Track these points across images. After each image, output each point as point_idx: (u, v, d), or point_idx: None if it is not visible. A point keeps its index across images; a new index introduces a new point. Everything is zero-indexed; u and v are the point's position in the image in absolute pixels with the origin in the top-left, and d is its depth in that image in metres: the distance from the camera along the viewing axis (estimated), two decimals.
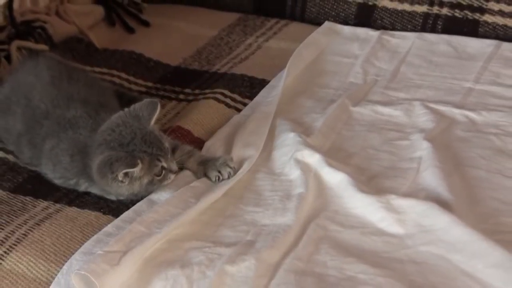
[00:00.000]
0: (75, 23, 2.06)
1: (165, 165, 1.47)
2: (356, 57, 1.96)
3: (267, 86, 1.83)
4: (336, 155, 1.59)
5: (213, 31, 2.11)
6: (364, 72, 1.90)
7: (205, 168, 1.52)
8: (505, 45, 1.96)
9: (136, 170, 1.43)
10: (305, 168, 1.53)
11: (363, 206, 1.45)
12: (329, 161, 1.54)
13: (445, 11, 2.03)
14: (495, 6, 1.99)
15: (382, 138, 1.66)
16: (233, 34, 2.09)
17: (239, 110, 1.76)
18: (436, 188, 1.47)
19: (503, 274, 1.28)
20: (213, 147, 1.62)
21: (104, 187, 1.47)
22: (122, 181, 1.44)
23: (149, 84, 1.90)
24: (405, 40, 2.01)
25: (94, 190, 1.51)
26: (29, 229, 1.44)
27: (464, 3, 2.01)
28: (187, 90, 1.86)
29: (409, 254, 1.35)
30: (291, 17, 2.16)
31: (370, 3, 2.08)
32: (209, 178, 1.52)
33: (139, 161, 1.42)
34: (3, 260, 1.39)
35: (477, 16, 2.00)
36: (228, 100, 1.79)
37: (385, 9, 2.08)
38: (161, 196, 1.48)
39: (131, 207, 1.46)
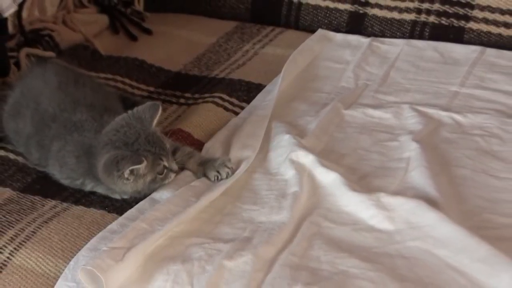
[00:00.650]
0: (81, 31, 2.06)
1: (166, 164, 1.47)
2: (348, 62, 1.96)
3: (263, 91, 1.83)
4: (329, 156, 1.59)
5: (212, 39, 2.11)
6: (356, 77, 1.90)
7: (205, 169, 1.53)
8: (489, 51, 1.96)
9: (141, 167, 1.43)
10: (299, 168, 1.53)
11: (355, 204, 1.45)
12: (322, 162, 1.54)
13: (432, 19, 2.03)
14: (480, 14, 1.99)
15: (373, 139, 1.67)
16: (231, 41, 2.09)
17: (236, 113, 1.76)
18: (424, 187, 1.47)
19: (488, 269, 1.28)
20: (212, 148, 1.62)
21: (110, 185, 1.47)
22: (127, 179, 1.44)
23: (151, 89, 1.90)
24: (394, 47, 2.01)
25: (100, 189, 1.51)
26: (37, 227, 1.44)
27: (450, 11, 2.01)
28: (187, 95, 1.86)
29: (398, 249, 1.35)
30: (286, 25, 2.16)
31: (361, 11, 2.08)
32: (208, 178, 1.52)
33: (143, 158, 1.43)
34: (13, 256, 1.39)
35: (462, 23, 2.01)
36: (226, 104, 1.79)
37: (375, 17, 2.08)
38: (162, 195, 1.48)
39: (134, 205, 1.46)
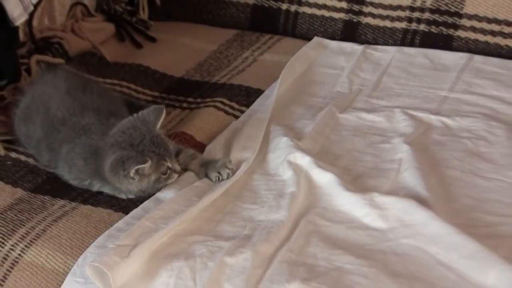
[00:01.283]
0: (88, 39, 2.05)
1: (170, 165, 1.47)
2: (343, 68, 1.96)
3: (262, 95, 1.83)
4: (324, 157, 1.59)
5: (213, 46, 2.11)
6: (350, 82, 1.89)
7: (206, 170, 1.52)
8: (476, 57, 1.96)
9: (146, 167, 1.43)
10: (296, 169, 1.53)
11: (349, 203, 1.45)
12: (318, 163, 1.53)
13: (422, 27, 2.03)
14: (467, 23, 1.99)
15: (366, 141, 1.66)
16: (231, 48, 2.09)
17: (237, 117, 1.76)
18: (415, 187, 1.47)
19: (475, 265, 1.28)
20: (213, 150, 1.62)
21: (116, 184, 1.47)
22: (133, 178, 1.44)
23: (156, 93, 1.89)
24: (387, 53, 2.01)
25: (106, 189, 1.51)
26: (47, 225, 1.44)
27: (440, 20, 2.01)
28: (190, 99, 1.86)
29: (391, 246, 1.35)
30: (284, 33, 2.16)
31: (354, 20, 2.08)
32: (209, 178, 1.52)
33: (148, 159, 1.42)
34: (24, 253, 1.39)
35: (451, 31, 2.01)
36: (227, 108, 1.79)
37: (368, 25, 2.08)
38: (166, 194, 1.48)
39: (139, 205, 1.46)
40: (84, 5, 2.14)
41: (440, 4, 2.01)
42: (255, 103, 1.80)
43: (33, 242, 1.40)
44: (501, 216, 1.43)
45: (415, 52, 2.01)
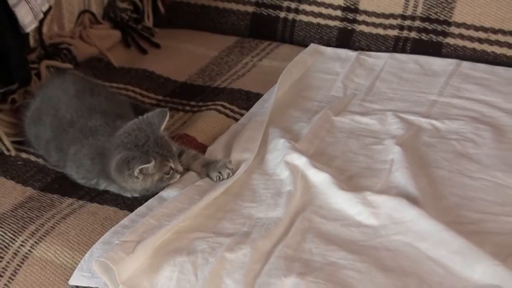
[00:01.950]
0: (96, 45, 2.05)
1: (173, 165, 1.47)
2: (338, 74, 1.96)
3: (261, 99, 1.83)
4: (320, 158, 1.59)
5: (215, 52, 2.11)
6: (344, 87, 1.89)
7: (208, 170, 1.52)
8: (464, 63, 1.96)
9: (150, 167, 1.43)
10: (293, 169, 1.53)
11: (343, 202, 1.45)
12: (314, 163, 1.54)
13: (413, 34, 2.03)
14: (456, 31, 1.99)
15: (360, 143, 1.66)
16: (231, 54, 2.09)
17: (237, 120, 1.76)
18: (406, 186, 1.47)
19: (462, 260, 1.28)
20: (215, 151, 1.62)
21: (121, 183, 1.47)
22: (137, 177, 1.44)
23: (160, 97, 1.89)
24: (379, 60, 2.01)
25: (112, 188, 1.51)
26: (56, 223, 1.44)
27: (430, 28, 2.01)
28: (192, 103, 1.86)
29: (382, 242, 1.36)
30: (282, 40, 2.16)
31: (349, 27, 2.09)
32: (211, 178, 1.52)
33: (152, 159, 1.42)
34: (34, 249, 1.39)
35: (440, 39, 2.01)
36: (227, 111, 1.79)
37: (362, 33, 2.08)
38: (170, 193, 1.48)
39: (144, 203, 1.46)
40: (92, 13, 2.13)
41: (430, 12, 2.01)
42: (254, 106, 1.80)
43: (43, 239, 1.40)
44: (487, 214, 1.43)
45: (407, 58, 2.01)
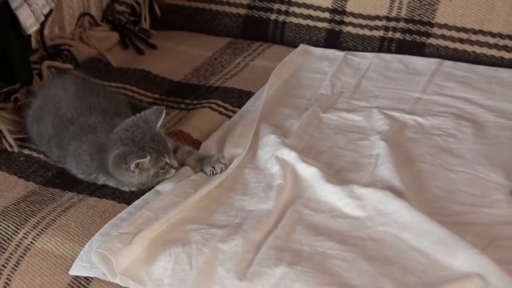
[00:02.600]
0: (95, 46, 2.05)
1: (168, 161, 1.46)
2: (326, 73, 1.96)
3: (252, 97, 1.83)
4: (309, 153, 1.58)
5: (209, 53, 2.10)
6: (332, 85, 1.89)
7: (202, 164, 1.52)
8: (446, 63, 1.96)
9: (146, 162, 1.43)
10: (283, 163, 1.53)
11: (331, 194, 1.45)
12: (303, 158, 1.53)
13: (397, 35, 2.03)
14: (438, 31, 1.99)
15: (347, 139, 1.66)
16: (225, 55, 2.09)
17: (229, 117, 1.76)
18: (390, 179, 1.47)
19: (444, 249, 1.28)
20: (208, 147, 1.62)
21: (118, 177, 1.47)
22: (133, 171, 1.43)
23: (156, 96, 1.89)
24: (365, 59, 2.01)
25: (111, 183, 1.51)
26: (57, 215, 1.43)
27: (413, 29, 2.01)
28: (187, 101, 1.85)
29: (368, 233, 1.35)
30: (273, 41, 2.16)
31: (336, 29, 2.08)
32: (205, 172, 1.51)
33: (148, 154, 1.42)
34: (35, 240, 1.38)
35: (423, 39, 2.01)
36: (221, 109, 1.78)
37: (349, 34, 2.08)
38: (165, 187, 1.47)
39: (141, 196, 1.46)
40: (91, 16, 2.13)
41: (414, 14, 2.01)
42: (246, 104, 1.80)
43: (44, 231, 1.40)
44: (468, 205, 1.43)
45: (391, 58, 2.01)
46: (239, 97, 1.84)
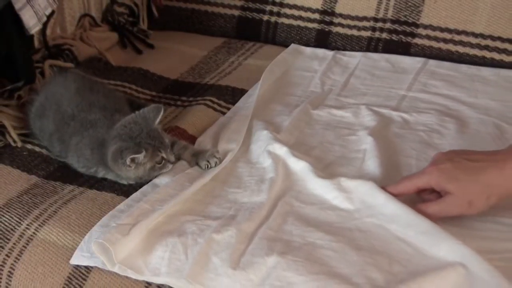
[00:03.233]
0: (95, 46, 2.04)
1: (164, 156, 1.46)
2: (316, 71, 1.95)
3: (245, 95, 1.82)
4: (299, 148, 1.58)
5: (204, 52, 2.09)
6: (322, 83, 1.89)
7: (197, 159, 1.51)
8: (431, 62, 1.96)
9: (141, 157, 1.42)
10: (275, 158, 1.52)
11: (321, 187, 1.44)
12: (294, 153, 1.53)
13: (384, 35, 2.03)
14: (423, 32, 1.99)
15: (336, 134, 1.66)
16: (219, 54, 2.08)
17: (224, 113, 1.75)
18: (377, 173, 1.47)
19: (429, 239, 1.28)
20: (203, 142, 1.61)
21: (116, 171, 1.46)
22: (129, 166, 1.43)
23: (154, 93, 1.88)
24: (354, 58, 2.01)
25: (110, 176, 1.50)
26: (58, 207, 1.43)
27: (399, 29, 2.01)
28: (183, 98, 1.85)
29: (356, 224, 1.35)
30: (265, 41, 2.15)
31: (326, 29, 2.08)
32: (200, 166, 1.51)
33: (143, 149, 1.42)
34: (38, 231, 1.38)
35: (409, 39, 2.00)
36: (215, 106, 1.78)
37: (338, 34, 2.07)
38: (162, 180, 1.47)
39: (139, 189, 1.45)
40: (92, 17, 2.12)
41: (400, 15, 2.00)
42: (240, 101, 1.79)
43: (46, 222, 1.39)
44: None
45: (378, 57, 2.00)
46: (233, 95, 1.84)
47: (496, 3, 1.92)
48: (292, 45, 2.09)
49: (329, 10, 2.07)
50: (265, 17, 2.15)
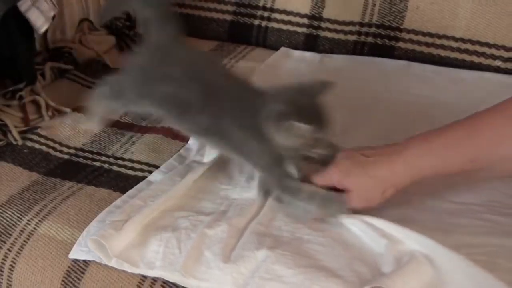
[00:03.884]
0: (94, 49, 2.03)
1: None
2: (304, 74, 1.94)
3: None
4: None
5: None
6: None
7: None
8: (414, 64, 1.95)
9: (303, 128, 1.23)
10: None
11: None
12: None
13: (369, 39, 2.02)
14: (406, 36, 1.98)
15: None
16: None
17: None
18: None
19: (402, 229, 1.26)
20: (194, 144, 1.58)
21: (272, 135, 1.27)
22: (288, 133, 1.24)
23: None
24: (340, 61, 1.99)
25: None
26: (58, 203, 1.42)
27: (383, 33, 2.00)
28: None
29: (343, 221, 1.34)
30: (256, 44, 2.14)
31: (314, 33, 2.07)
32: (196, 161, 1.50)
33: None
34: (38, 226, 1.37)
35: (393, 43, 2.00)
36: None
37: (325, 38, 2.06)
38: (156, 177, 1.46)
39: (134, 186, 1.44)
40: (90, 21, 2.11)
41: (384, 20, 2.00)
42: None
43: (46, 218, 1.38)
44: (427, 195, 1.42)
45: (364, 60, 1.99)
46: None
47: (474, 10, 1.91)
48: (282, 49, 2.08)
49: (317, 15, 2.06)
50: (256, 22, 2.13)
